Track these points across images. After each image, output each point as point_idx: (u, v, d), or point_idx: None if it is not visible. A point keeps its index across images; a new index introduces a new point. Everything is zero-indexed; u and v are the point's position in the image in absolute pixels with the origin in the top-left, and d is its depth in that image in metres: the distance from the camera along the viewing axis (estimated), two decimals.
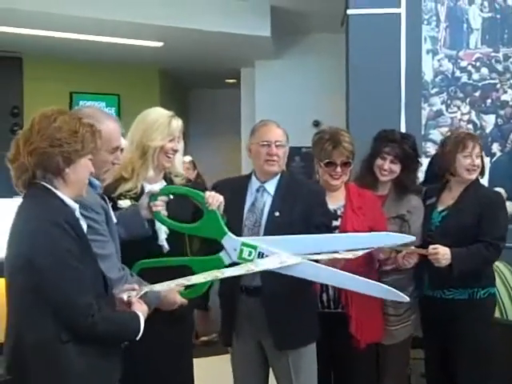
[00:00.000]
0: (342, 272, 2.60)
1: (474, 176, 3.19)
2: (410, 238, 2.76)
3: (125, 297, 2.14)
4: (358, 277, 2.58)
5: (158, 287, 2.33)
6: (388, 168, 3.24)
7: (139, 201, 2.59)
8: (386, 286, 2.65)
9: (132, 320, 2.08)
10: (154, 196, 2.55)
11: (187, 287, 2.48)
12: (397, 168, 3.25)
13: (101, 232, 2.24)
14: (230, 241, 2.56)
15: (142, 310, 2.12)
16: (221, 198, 2.57)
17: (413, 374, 4.09)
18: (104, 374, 2.03)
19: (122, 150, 2.44)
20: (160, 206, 2.54)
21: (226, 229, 2.57)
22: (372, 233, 2.80)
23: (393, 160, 3.24)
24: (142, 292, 2.21)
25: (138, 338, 2.07)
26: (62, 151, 1.98)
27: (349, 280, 2.60)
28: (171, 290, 2.43)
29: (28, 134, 2.00)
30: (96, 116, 2.28)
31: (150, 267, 2.51)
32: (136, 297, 2.16)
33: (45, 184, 1.99)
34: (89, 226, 2.17)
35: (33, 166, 1.98)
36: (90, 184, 2.26)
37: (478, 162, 3.18)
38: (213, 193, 2.58)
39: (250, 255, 2.55)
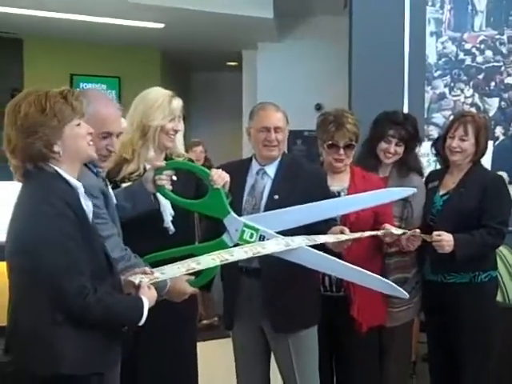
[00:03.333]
0: (343, 263, 2.59)
1: (456, 158, 3.15)
2: (412, 190, 2.84)
3: (136, 281, 2.08)
4: (359, 269, 2.57)
5: (168, 270, 2.26)
6: (394, 151, 3.22)
7: (144, 174, 2.56)
8: (388, 281, 2.65)
9: (134, 305, 2.02)
10: (159, 170, 2.51)
11: (196, 275, 2.44)
12: (401, 150, 3.23)
13: (100, 215, 2.22)
14: (233, 221, 2.53)
15: (149, 296, 2.05)
16: (227, 177, 2.54)
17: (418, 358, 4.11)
18: (101, 357, 1.99)
19: (118, 136, 2.40)
20: (165, 180, 2.50)
21: (229, 208, 2.54)
22: (373, 191, 2.79)
23: (398, 143, 3.21)
24: (157, 280, 2.15)
25: (140, 324, 2.01)
26: (38, 137, 1.94)
27: (350, 271, 2.58)
28: (180, 279, 2.37)
29: (7, 130, 1.96)
30: (91, 97, 2.23)
31: (155, 261, 2.44)
32: (148, 283, 2.09)
33: (42, 165, 1.97)
34: None
35: (21, 163, 1.96)
36: (89, 168, 2.24)
37: (457, 143, 3.12)
38: (219, 171, 2.55)
39: (251, 237, 2.53)
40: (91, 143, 2.06)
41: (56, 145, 1.96)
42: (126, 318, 2.03)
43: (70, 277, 1.89)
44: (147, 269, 2.18)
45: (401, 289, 2.62)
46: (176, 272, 2.27)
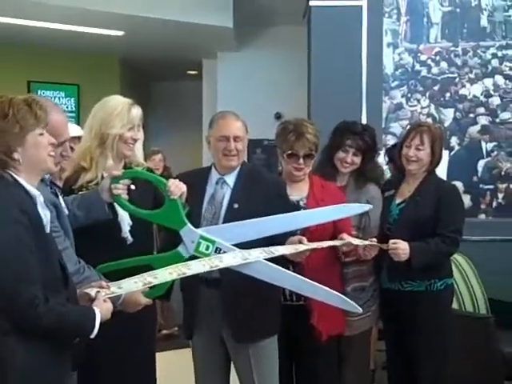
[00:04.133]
0: (299, 277, 2.61)
1: (412, 167, 3.19)
2: (368, 207, 2.91)
3: (92, 293, 2.04)
4: (314, 283, 2.59)
5: (125, 284, 2.23)
6: (350, 161, 3.25)
7: (101, 183, 2.53)
8: (342, 296, 2.68)
9: (86, 316, 1.97)
10: (116, 179, 2.47)
11: (150, 286, 2.41)
12: (358, 160, 3.26)
13: (51, 229, 2.19)
14: (189, 232, 2.51)
15: (104, 308, 2.01)
16: (184, 188, 2.51)
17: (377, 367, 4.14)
18: (51, 369, 1.94)
19: (68, 141, 2.36)
20: (121, 189, 2.47)
21: (185, 219, 2.52)
22: (331, 206, 2.84)
23: (355, 152, 3.24)
24: (114, 294, 2.12)
25: (92, 336, 1.96)
26: None
27: (305, 286, 2.59)
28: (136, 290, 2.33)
29: None
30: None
31: (111, 270, 2.41)
32: (104, 296, 2.06)
33: (0, 172, 1.94)
34: None
35: None
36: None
37: (414, 152, 3.16)
38: (176, 181, 2.52)
39: (207, 249, 2.51)
40: (52, 153, 2.03)
41: (16, 152, 1.94)
42: (78, 328, 1.98)
43: (21, 285, 1.84)
44: (104, 283, 2.15)
45: (355, 304, 2.65)
46: (133, 286, 2.24)
